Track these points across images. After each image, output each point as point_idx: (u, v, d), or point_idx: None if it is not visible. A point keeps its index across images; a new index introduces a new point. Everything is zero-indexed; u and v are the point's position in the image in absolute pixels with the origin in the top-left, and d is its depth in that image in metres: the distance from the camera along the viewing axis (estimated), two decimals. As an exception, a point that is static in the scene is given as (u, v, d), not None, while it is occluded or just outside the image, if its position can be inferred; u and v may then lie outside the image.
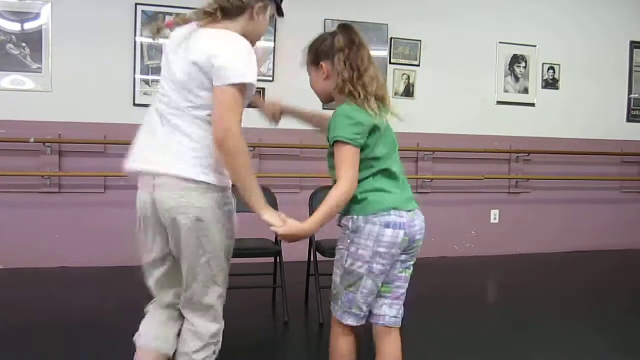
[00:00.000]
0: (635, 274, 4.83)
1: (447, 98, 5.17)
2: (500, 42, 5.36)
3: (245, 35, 1.68)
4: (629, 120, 5.82)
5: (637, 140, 5.78)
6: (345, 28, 1.83)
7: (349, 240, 1.79)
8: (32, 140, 4.22)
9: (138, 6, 4.46)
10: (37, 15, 4.29)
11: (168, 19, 1.78)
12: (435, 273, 4.68)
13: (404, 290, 1.88)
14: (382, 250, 1.74)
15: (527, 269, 4.94)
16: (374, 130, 1.75)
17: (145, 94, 4.50)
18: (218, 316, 1.77)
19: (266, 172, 4.74)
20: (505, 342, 2.98)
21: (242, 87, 1.58)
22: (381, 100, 1.80)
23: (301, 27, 4.77)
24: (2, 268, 4.29)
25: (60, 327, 3.05)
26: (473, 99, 5.27)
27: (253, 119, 5.30)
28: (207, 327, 1.74)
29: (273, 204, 3.46)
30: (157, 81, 4.99)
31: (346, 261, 1.79)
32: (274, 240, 3.44)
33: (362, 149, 1.73)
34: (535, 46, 5.46)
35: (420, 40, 5.09)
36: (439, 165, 5.21)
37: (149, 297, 1.94)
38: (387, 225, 1.73)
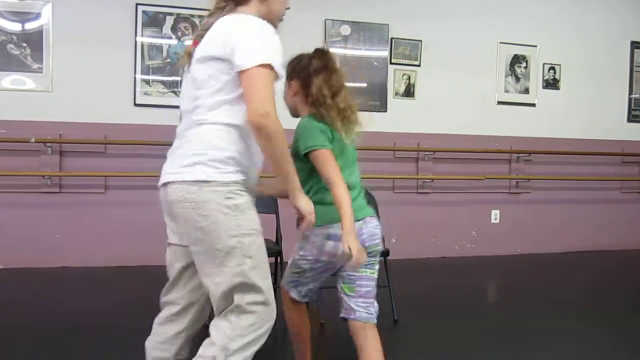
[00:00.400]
0: (635, 274, 4.83)
1: (448, 98, 5.18)
2: (501, 42, 5.36)
3: (262, 18, 1.62)
4: (629, 120, 5.82)
5: (637, 141, 5.78)
6: (322, 53, 2.02)
7: (299, 244, 2.01)
8: (33, 140, 4.22)
9: (138, 6, 4.46)
10: (37, 15, 4.30)
11: (192, 39, 1.72)
12: (435, 273, 4.69)
13: (369, 288, 1.98)
14: (323, 258, 1.94)
15: (527, 269, 4.94)
16: (332, 143, 1.91)
17: (145, 93, 4.50)
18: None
19: (266, 172, 4.73)
20: (505, 342, 2.97)
21: (269, 67, 1.51)
22: (348, 119, 1.94)
23: (301, 27, 4.77)
24: (2, 268, 4.29)
25: (60, 327, 3.05)
26: (473, 99, 5.27)
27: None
28: None
29: (273, 204, 3.47)
30: (158, 81, 5.00)
31: (296, 257, 2.03)
32: (274, 240, 3.44)
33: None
34: (535, 46, 5.46)
35: (420, 40, 5.09)
36: (440, 165, 5.21)
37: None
38: (329, 238, 1.90)
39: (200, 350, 1.58)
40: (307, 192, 1.90)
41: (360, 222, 1.92)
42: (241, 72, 1.51)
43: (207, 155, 1.56)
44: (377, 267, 2.01)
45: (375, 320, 1.98)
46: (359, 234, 1.88)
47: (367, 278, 1.97)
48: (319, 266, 1.97)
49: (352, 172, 1.98)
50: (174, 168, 1.61)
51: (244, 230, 1.57)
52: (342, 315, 1.99)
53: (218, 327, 1.57)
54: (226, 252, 1.54)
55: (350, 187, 1.89)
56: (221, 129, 1.58)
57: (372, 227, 1.97)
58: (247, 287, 1.57)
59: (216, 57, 1.55)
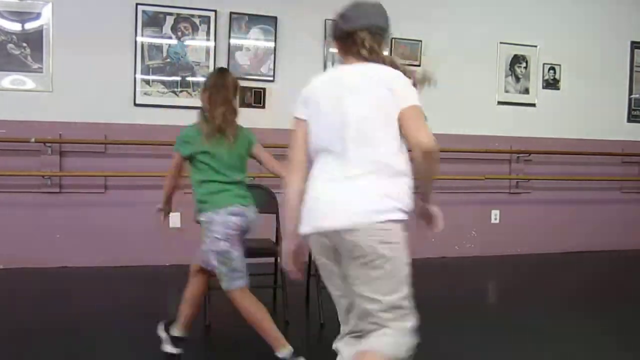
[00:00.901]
0: (635, 274, 4.83)
1: (447, 98, 5.15)
2: (501, 42, 5.36)
3: None
4: (629, 121, 5.82)
5: (637, 141, 5.78)
6: (219, 70, 2.73)
7: (206, 241, 2.47)
8: (33, 140, 4.22)
9: (138, 6, 4.46)
10: (37, 15, 4.29)
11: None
12: (435, 273, 4.69)
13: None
14: (230, 231, 2.43)
15: (527, 269, 4.94)
16: (202, 150, 2.45)
17: (145, 94, 4.49)
18: None
19: (266, 172, 4.71)
20: (505, 341, 2.98)
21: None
22: (222, 131, 2.45)
23: (301, 27, 4.79)
24: (2, 268, 4.29)
25: (61, 327, 3.05)
26: (473, 99, 5.27)
27: (253, 120, 5.29)
28: None
29: (273, 204, 3.47)
30: (158, 81, 4.99)
31: (211, 248, 2.46)
32: (274, 240, 3.44)
33: (197, 163, 2.48)
34: (535, 46, 5.46)
35: (420, 40, 5.09)
36: (440, 165, 5.19)
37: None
38: (231, 214, 2.43)
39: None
40: (201, 182, 2.47)
41: (245, 207, 2.49)
42: (405, 109, 1.75)
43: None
44: None
45: None
46: (247, 215, 2.49)
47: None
48: (235, 239, 2.43)
49: (228, 171, 2.48)
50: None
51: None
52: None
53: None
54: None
55: (231, 183, 2.48)
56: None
57: (253, 212, 2.55)
58: None
59: (382, 105, 1.74)
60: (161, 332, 2.62)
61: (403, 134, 1.74)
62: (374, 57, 1.81)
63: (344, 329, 1.86)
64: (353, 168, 1.70)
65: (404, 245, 1.72)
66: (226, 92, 2.49)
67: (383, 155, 1.71)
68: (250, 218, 2.52)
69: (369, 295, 1.69)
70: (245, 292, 2.46)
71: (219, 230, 2.41)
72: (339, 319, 1.88)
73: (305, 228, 1.76)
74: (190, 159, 2.50)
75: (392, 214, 1.68)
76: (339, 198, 1.70)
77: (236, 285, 2.45)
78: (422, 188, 1.82)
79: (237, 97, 2.59)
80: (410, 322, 1.74)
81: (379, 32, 1.84)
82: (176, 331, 2.61)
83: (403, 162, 1.76)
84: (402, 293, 1.72)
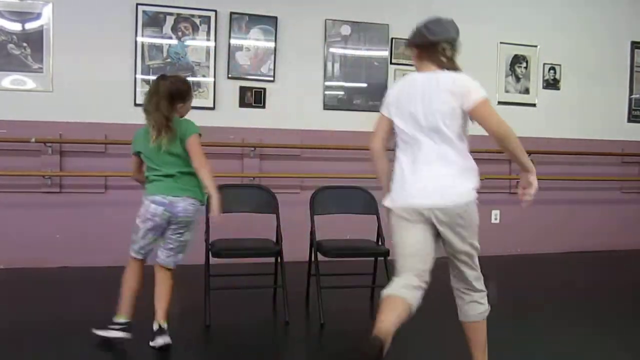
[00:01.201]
0: (635, 274, 4.83)
1: (448, 98, 5.17)
2: (501, 42, 5.36)
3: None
4: (629, 121, 5.82)
5: (638, 141, 5.78)
6: (157, 78, 2.81)
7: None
8: (33, 140, 4.22)
9: (139, 6, 4.46)
10: (38, 15, 4.30)
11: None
12: (435, 273, 4.68)
13: (172, 246, 2.78)
14: (149, 216, 2.71)
15: (527, 269, 4.94)
16: (138, 150, 2.78)
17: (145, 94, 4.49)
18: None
19: (266, 172, 4.74)
20: (504, 342, 2.97)
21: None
22: (159, 133, 2.65)
23: (301, 27, 4.79)
24: (2, 268, 4.29)
25: (60, 327, 3.05)
26: (473, 99, 5.26)
27: (253, 120, 5.28)
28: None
29: (273, 204, 3.46)
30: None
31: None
32: (274, 240, 3.44)
33: (143, 160, 2.77)
34: (536, 46, 5.46)
35: (420, 41, 5.09)
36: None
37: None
38: (153, 202, 2.70)
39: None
40: (146, 175, 2.76)
41: (177, 197, 2.70)
42: (473, 108, 2.16)
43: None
44: (186, 234, 2.79)
45: (171, 266, 2.82)
46: (176, 205, 2.69)
47: (175, 240, 2.77)
48: (149, 224, 2.71)
49: (167, 164, 2.70)
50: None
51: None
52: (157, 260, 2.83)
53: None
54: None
55: (166, 176, 2.69)
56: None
57: (188, 204, 2.72)
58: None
59: (453, 104, 2.17)
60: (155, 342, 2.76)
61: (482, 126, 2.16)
62: (449, 64, 2.30)
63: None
64: (429, 156, 2.16)
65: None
66: (157, 98, 2.68)
67: (450, 142, 2.18)
68: (179, 208, 2.70)
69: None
70: (134, 263, 2.84)
71: (141, 211, 2.75)
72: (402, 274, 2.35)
73: (401, 202, 2.21)
74: (138, 156, 2.82)
75: (472, 192, 2.25)
76: (433, 183, 2.17)
77: (130, 252, 2.84)
78: (515, 161, 2.35)
79: (184, 101, 2.79)
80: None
81: (455, 43, 2.38)
82: (157, 324, 2.80)
83: (465, 149, 2.26)
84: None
